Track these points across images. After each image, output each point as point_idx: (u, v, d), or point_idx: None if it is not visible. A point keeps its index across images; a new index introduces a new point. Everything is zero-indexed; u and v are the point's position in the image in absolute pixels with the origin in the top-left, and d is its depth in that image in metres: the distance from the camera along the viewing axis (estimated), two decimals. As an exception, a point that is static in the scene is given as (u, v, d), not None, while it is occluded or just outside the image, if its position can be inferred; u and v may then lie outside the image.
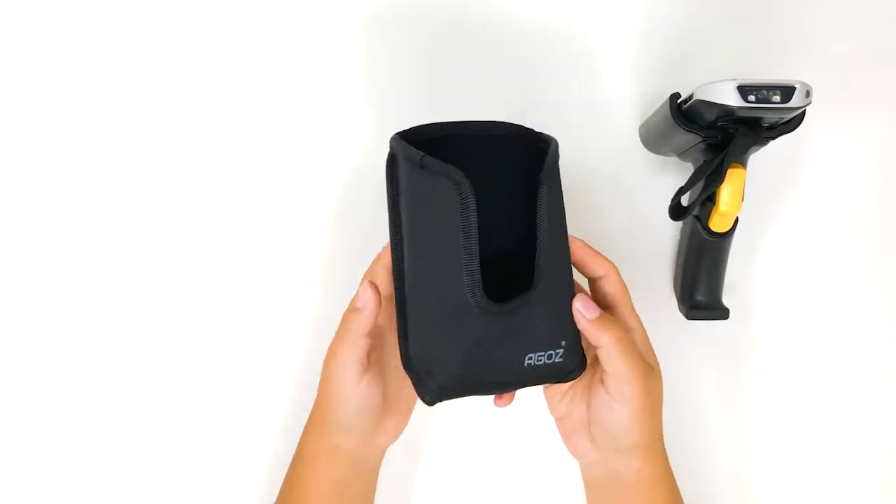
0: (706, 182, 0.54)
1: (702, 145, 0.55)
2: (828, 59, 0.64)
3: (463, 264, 0.42)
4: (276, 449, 0.61)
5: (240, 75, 0.64)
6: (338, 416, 0.49)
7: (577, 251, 0.48)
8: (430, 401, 0.45)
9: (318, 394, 0.51)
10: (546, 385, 0.52)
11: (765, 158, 0.58)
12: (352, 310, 0.48)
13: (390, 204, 0.48)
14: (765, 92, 0.48)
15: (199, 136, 0.64)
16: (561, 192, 0.47)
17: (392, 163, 0.48)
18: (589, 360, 0.49)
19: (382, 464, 0.55)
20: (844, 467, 0.63)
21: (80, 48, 0.64)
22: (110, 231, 0.63)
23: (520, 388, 0.47)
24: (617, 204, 0.64)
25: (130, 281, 0.63)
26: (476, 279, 0.43)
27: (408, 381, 0.46)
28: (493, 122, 0.48)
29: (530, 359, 0.44)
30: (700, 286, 0.61)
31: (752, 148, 0.54)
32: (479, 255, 0.43)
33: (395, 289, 0.47)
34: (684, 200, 0.57)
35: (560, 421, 0.52)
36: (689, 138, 0.54)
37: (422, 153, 0.44)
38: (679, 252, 0.63)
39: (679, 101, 0.54)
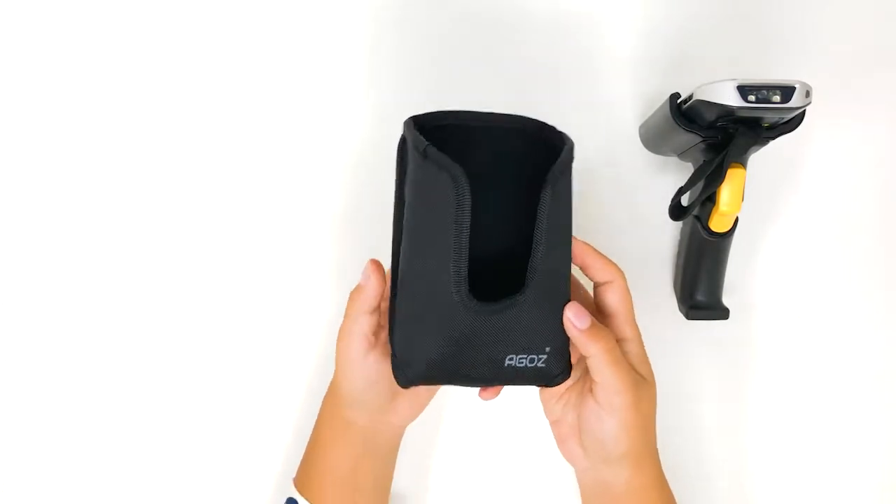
0: (706, 182, 0.54)
1: (702, 145, 0.55)
2: (828, 59, 0.64)
3: (451, 261, 0.42)
4: (295, 424, 0.62)
5: (243, 72, 0.64)
6: (346, 390, 0.51)
7: (582, 255, 0.48)
8: (404, 385, 0.46)
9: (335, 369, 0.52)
10: (542, 388, 0.52)
11: (765, 158, 0.58)
12: (356, 288, 0.49)
13: (397, 188, 0.48)
14: (765, 92, 0.48)
15: (203, 134, 0.64)
16: (570, 194, 0.46)
17: (403, 147, 0.47)
18: (583, 368, 0.48)
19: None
20: (844, 468, 0.63)
21: (77, 39, 0.64)
22: (115, 231, 0.63)
23: (500, 385, 0.47)
24: (617, 204, 0.64)
25: (138, 276, 0.63)
26: (462, 276, 0.42)
27: None
28: (512, 115, 0.48)
29: (511, 360, 0.44)
30: (700, 286, 0.61)
31: (752, 148, 0.54)
32: (476, 252, 0.43)
33: (391, 273, 0.48)
34: (684, 200, 0.57)
35: (554, 425, 0.52)
36: (689, 138, 0.54)
37: (427, 143, 0.43)
38: (679, 252, 0.63)
39: (679, 101, 0.54)
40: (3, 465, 0.62)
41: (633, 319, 0.49)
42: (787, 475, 0.63)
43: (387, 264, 0.49)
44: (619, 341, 0.48)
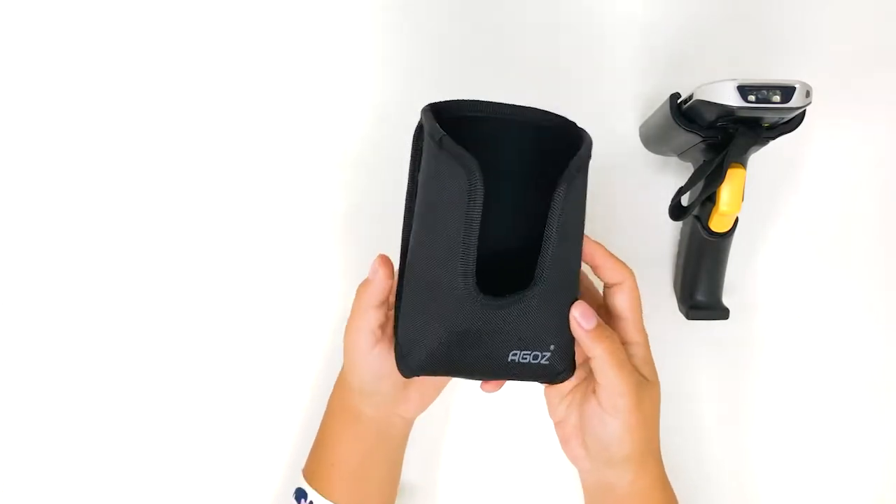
0: (706, 182, 0.54)
1: (702, 145, 0.55)
2: (828, 59, 0.64)
3: (460, 254, 0.42)
4: (304, 415, 0.62)
5: (245, 72, 0.64)
6: (354, 383, 0.52)
7: (592, 255, 0.47)
8: (406, 375, 0.45)
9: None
10: (546, 387, 0.52)
11: (765, 158, 0.58)
12: (363, 282, 0.49)
13: (410, 176, 0.48)
14: (765, 92, 0.48)
15: (205, 134, 0.64)
16: (584, 193, 0.45)
17: (419, 135, 0.47)
18: (587, 370, 0.48)
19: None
20: (845, 467, 0.63)
21: (75, 39, 0.64)
22: (123, 231, 0.64)
23: (502, 380, 0.47)
24: (617, 204, 0.64)
25: (147, 274, 0.63)
26: (470, 270, 0.42)
27: None
28: (531, 108, 0.47)
29: (514, 355, 0.44)
30: (700, 286, 0.61)
31: (752, 148, 0.54)
32: (487, 245, 0.43)
33: (400, 262, 0.47)
34: (684, 200, 0.57)
35: (558, 425, 0.52)
36: (689, 138, 0.54)
37: (443, 132, 0.43)
38: (679, 252, 0.63)
39: (679, 101, 0.54)
40: (11, 465, 0.62)
41: (642, 322, 0.49)
42: (787, 475, 0.63)
43: (396, 257, 0.49)
44: (625, 344, 0.48)
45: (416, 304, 0.45)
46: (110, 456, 0.62)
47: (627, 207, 0.64)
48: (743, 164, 0.54)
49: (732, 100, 0.48)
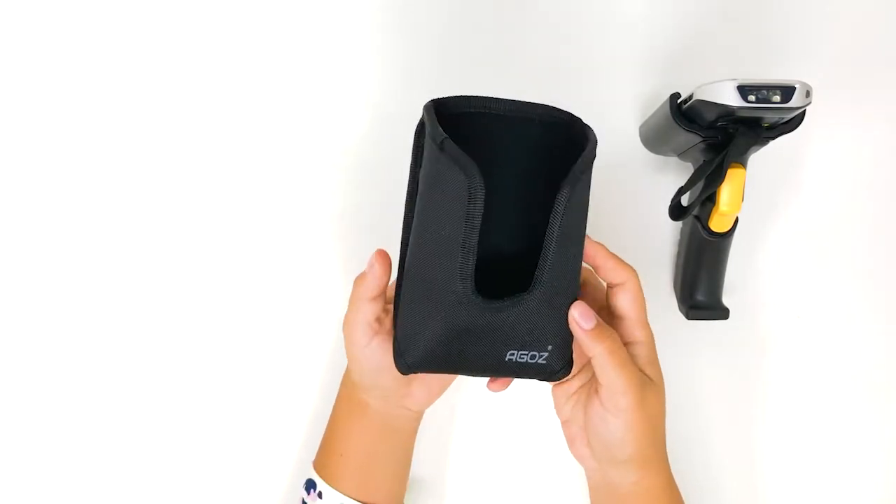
0: (706, 182, 0.54)
1: (702, 145, 0.55)
2: (828, 59, 0.64)
3: (459, 257, 0.42)
4: (314, 409, 0.63)
5: (244, 72, 0.64)
6: (356, 375, 0.52)
7: (594, 256, 0.47)
8: (403, 371, 0.46)
9: None
10: (554, 386, 0.52)
11: (765, 158, 0.58)
12: (359, 276, 0.49)
13: (411, 173, 0.48)
14: (765, 92, 0.48)
15: (204, 134, 0.64)
16: (587, 194, 0.45)
17: (421, 132, 0.47)
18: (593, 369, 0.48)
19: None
20: (845, 466, 0.63)
21: (74, 38, 0.64)
22: (116, 228, 0.64)
23: (499, 377, 0.47)
24: (617, 204, 0.64)
25: (140, 273, 0.63)
26: (469, 272, 0.42)
27: None
28: (535, 104, 0.47)
29: (512, 355, 0.44)
30: (700, 286, 0.61)
31: (752, 148, 0.54)
32: (488, 245, 0.43)
33: (400, 260, 0.47)
34: (684, 200, 0.57)
35: (564, 424, 0.52)
36: (689, 138, 0.54)
37: (444, 135, 0.42)
38: (679, 252, 0.63)
39: (679, 101, 0.54)
40: (19, 465, 0.62)
41: (645, 322, 0.48)
42: (787, 474, 0.63)
43: (397, 254, 0.49)
44: (629, 344, 0.48)
45: (415, 302, 0.45)
46: (133, 450, 0.63)
47: (627, 207, 0.64)
48: (743, 164, 0.54)
49: (732, 100, 0.48)
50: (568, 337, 0.45)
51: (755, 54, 0.65)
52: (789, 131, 0.53)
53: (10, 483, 0.62)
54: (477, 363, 0.45)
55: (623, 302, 0.48)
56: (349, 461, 0.54)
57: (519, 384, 0.49)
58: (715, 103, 0.49)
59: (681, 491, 0.52)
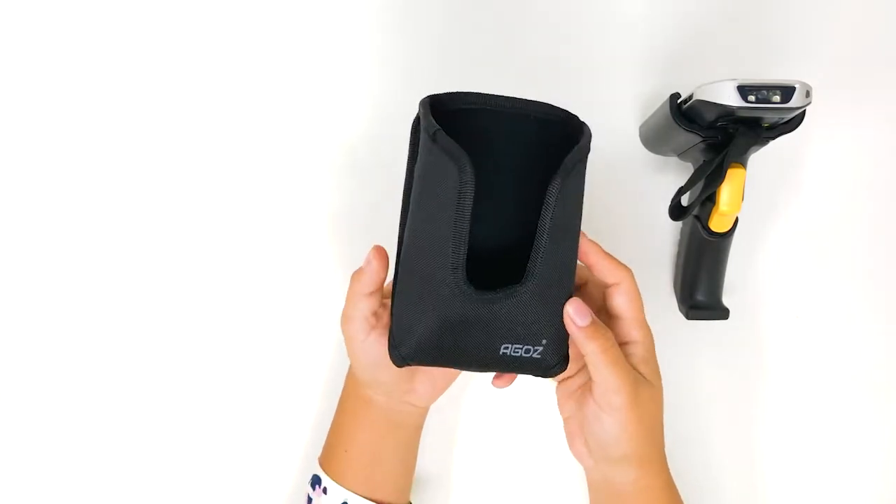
0: (706, 182, 0.54)
1: (702, 145, 0.55)
2: (828, 59, 0.64)
3: (450, 248, 0.42)
4: (320, 402, 0.63)
5: (241, 72, 0.64)
6: (357, 371, 0.53)
7: (587, 254, 0.47)
8: (398, 364, 0.46)
9: None
10: (557, 384, 0.52)
11: (765, 158, 0.58)
12: (356, 271, 0.49)
13: (408, 168, 0.48)
14: (765, 92, 0.48)
15: (201, 133, 0.64)
16: (581, 187, 0.45)
17: (417, 128, 0.47)
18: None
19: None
20: (845, 466, 0.63)
21: (71, 38, 0.64)
22: (114, 227, 0.63)
23: (494, 371, 0.47)
24: (617, 204, 0.64)
25: (131, 274, 0.63)
26: (460, 264, 0.42)
27: None
28: (531, 100, 0.47)
29: (506, 348, 0.44)
30: (700, 286, 0.61)
31: (752, 148, 0.54)
32: (484, 238, 0.43)
33: (397, 254, 0.47)
34: (684, 200, 0.57)
35: (566, 422, 0.52)
36: (689, 138, 0.54)
37: (437, 127, 0.43)
38: (679, 252, 0.63)
39: (679, 101, 0.54)
40: (25, 466, 0.63)
41: (642, 321, 0.48)
42: (788, 474, 0.63)
43: (394, 250, 0.49)
44: (626, 343, 0.48)
45: (409, 295, 0.45)
46: (143, 449, 0.63)
47: (627, 207, 0.64)
48: (743, 164, 0.54)
49: (732, 100, 0.48)
50: (563, 332, 0.45)
51: (755, 54, 0.65)
52: (789, 131, 0.53)
53: (17, 483, 0.62)
54: (472, 356, 0.45)
55: (619, 301, 0.48)
56: (353, 457, 0.54)
57: (524, 381, 0.49)
58: (715, 103, 0.49)
59: (681, 491, 0.52)
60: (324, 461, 0.56)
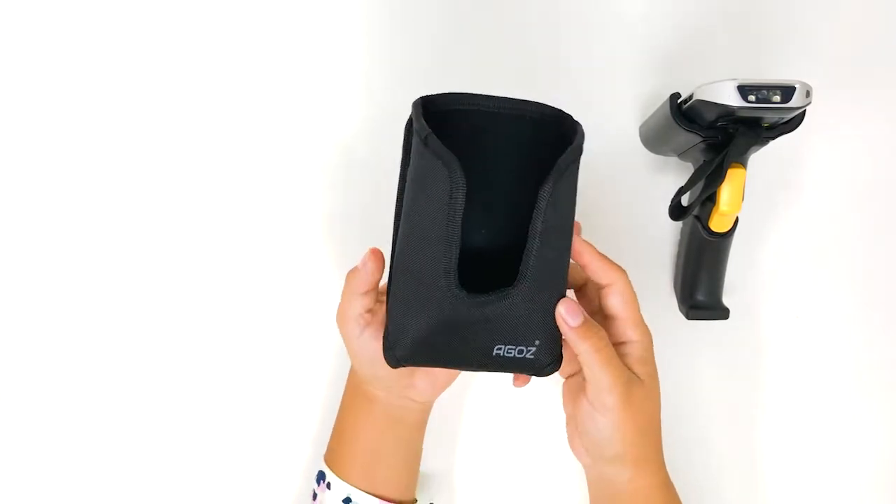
0: (706, 182, 0.54)
1: (702, 145, 0.55)
2: (828, 59, 0.64)
3: (442, 251, 0.42)
4: (325, 399, 0.63)
5: (236, 73, 0.64)
6: (356, 366, 0.53)
7: (580, 255, 0.47)
8: (393, 365, 0.46)
9: None
10: (563, 382, 0.52)
11: (765, 158, 0.58)
12: (352, 270, 0.50)
13: (401, 170, 0.48)
14: (765, 92, 0.48)
15: (196, 135, 0.64)
16: (574, 188, 0.45)
17: (410, 130, 0.47)
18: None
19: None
20: (845, 466, 0.63)
21: (69, 39, 0.64)
22: (112, 227, 0.63)
23: (491, 371, 0.47)
24: (617, 204, 0.64)
25: (119, 275, 0.63)
26: (451, 267, 0.42)
27: None
28: (524, 100, 0.47)
29: (499, 349, 0.44)
30: (700, 286, 0.61)
31: (752, 148, 0.54)
32: (475, 239, 0.43)
33: (391, 255, 0.48)
34: (684, 200, 0.57)
35: (567, 419, 0.52)
36: (689, 138, 0.54)
37: (428, 130, 0.43)
38: (679, 252, 0.63)
39: (679, 101, 0.54)
40: (29, 467, 0.63)
41: (639, 321, 0.48)
42: (788, 474, 0.63)
43: (389, 250, 0.49)
44: (622, 344, 0.48)
45: (402, 297, 0.45)
46: (154, 439, 0.63)
47: (627, 207, 0.64)
48: (743, 164, 0.54)
49: (732, 100, 0.48)
50: (556, 332, 0.45)
51: (755, 54, 0.64)
52: (789, 131, 0.53)
53: (19, 484, 0.62)
54: (466, 357, 0.45)
55: (613, 302, 0.48)
56: (356, 452, 0.55)
57: (534, 381, 0.49)
58: (715, 103, 0.49)
59: (681, 491, 0.51)
60: (328, 457, 0.56)
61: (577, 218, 0.46)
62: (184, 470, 0.63)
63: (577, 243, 0.47)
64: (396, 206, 0.48)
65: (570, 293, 0.53)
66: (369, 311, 0.50)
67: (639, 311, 0.48)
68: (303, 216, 0.64)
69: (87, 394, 0.63)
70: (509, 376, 0.51)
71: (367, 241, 0.52)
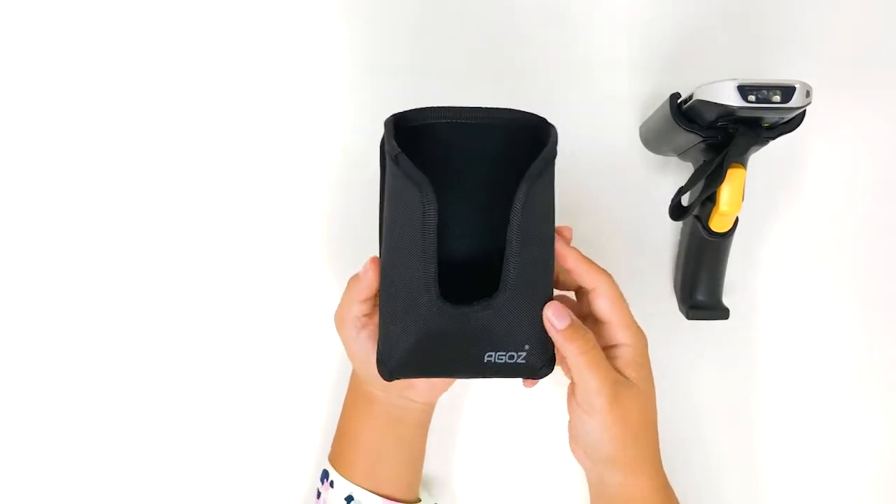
0: (706, 182, 0.54)
1: (702, 145, 0.55)
2: (828, 59, 0.64)
3: (420, 267, 0.43)
4: (329, 400, 0.63)
5: (231, 75, 0.64)
6: (355, 366, 0.54)
7: (566, 260, 0.47)
8: (387, 378, 0.46)
9: None
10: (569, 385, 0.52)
11: (765, 158, 0.58)
12: (354, 277, 0.50)
13: (381, 188, 0.49)
14: (765, 92, 0.48)
15: (191, 137, 0.64)
16: (550, 193, 0.45)
17: (384, 146, 0.47)
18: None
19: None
20: (845, 467, 0.63)
21: (67, 40, 0.64)
22: (110, 227, 0.63)
23: (487, 377, 0.47)
24: (617, 204, 0.64)
25: (120, 276, 0.63)
26: (431, 281, 0.43)
27: None
28: (497, 109, 0.47)
29: (490, 356, 0.45)
30: (700, 286, 0.61)
31: (752, 148, 0.54)
32: (456, 252, 0.44)
33: (380, 269, 0.48)
34: (684, 200, 0.57)
35: (570, 422, 0.52)
36: (689, 138, 0.54)
37: (398, 150, 0.43)
38: (679, 252, 0.63)
39: (679, 101, 0.54)
40: (29, 469, 0.63)
41: (629, 324, 0.48)
42: (788, 474, 0.63)
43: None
44: (613, 347, 0.48)
45: (391, 310, 0.46)
46: (162, 438, 0.63)
47: (627, 207, 0.64)
48: (743, 164, 0.54)
49: (732, 100, 0.48)
50: (546, 335, 0.45)
51: (755, 54, 0.64)
52: (789, 131, 0.53)
53: (20, 485, 0.62)
54: (457, 367, 0.46)
55: (601, 306, 0.48)
56: (358, 451, 0.55)
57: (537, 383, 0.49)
58: (715, 103, 0.49)
59: (680, 491, 0.51)
60: (332, 456, 0.57)
61: (577, 218, 0.46)
62: (192, 471, 0.63)
63: (562, 249, 0.47)
64: (379, 219, 0.49)
65: (571, 296, 0.53)
66: (366, 314, 0.50)
67: (629, 313, 0.48)
68: (302, 216, 0.64)
69: (96, 396, 0.63)
70: (510, 379, 0.50)
71: (365, 242, 0.52)
